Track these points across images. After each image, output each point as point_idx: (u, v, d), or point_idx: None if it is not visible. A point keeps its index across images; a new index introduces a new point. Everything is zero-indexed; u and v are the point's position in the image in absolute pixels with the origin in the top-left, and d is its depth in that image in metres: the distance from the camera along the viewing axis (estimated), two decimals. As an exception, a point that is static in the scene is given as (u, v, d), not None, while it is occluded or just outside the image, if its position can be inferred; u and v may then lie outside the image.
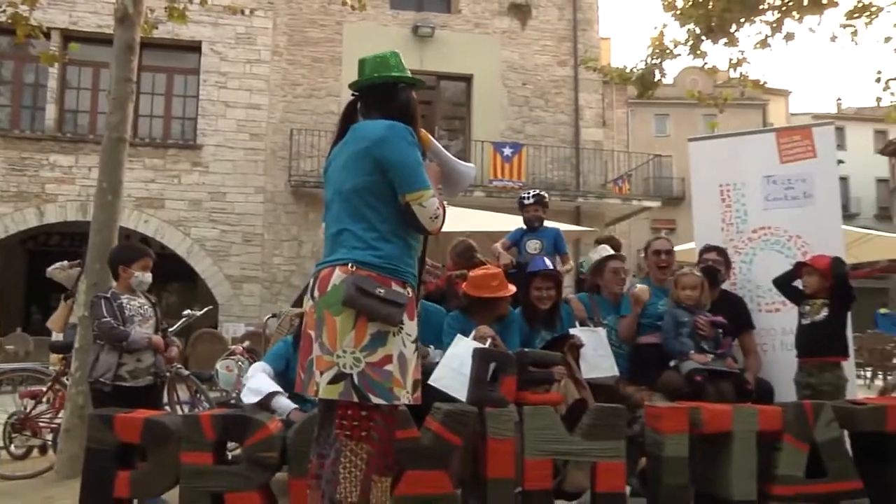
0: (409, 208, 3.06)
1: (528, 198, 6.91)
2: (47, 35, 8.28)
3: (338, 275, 3.02)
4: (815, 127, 6.49)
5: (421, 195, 3.04)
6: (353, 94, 3.38)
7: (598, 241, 7.09)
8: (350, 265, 3.03)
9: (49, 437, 6.62)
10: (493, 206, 15.21)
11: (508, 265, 6.35)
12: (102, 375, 5.09)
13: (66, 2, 17.11)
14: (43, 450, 6.73)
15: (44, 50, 8.36)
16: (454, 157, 3.45)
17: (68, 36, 16.45)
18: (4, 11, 7.53)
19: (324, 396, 2.99)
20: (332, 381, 2.94)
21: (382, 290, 2.96)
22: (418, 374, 3.14)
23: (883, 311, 24.77)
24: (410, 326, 3.09)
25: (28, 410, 6.67)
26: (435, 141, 3.36)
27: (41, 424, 6.67)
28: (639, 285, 5.83)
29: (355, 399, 2.92)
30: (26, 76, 18.15)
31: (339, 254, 3.09)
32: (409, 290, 3.11)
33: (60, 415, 6.41)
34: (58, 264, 7.71)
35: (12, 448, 6.65)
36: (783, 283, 5.61)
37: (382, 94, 3.27)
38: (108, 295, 5.29)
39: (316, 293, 3.08)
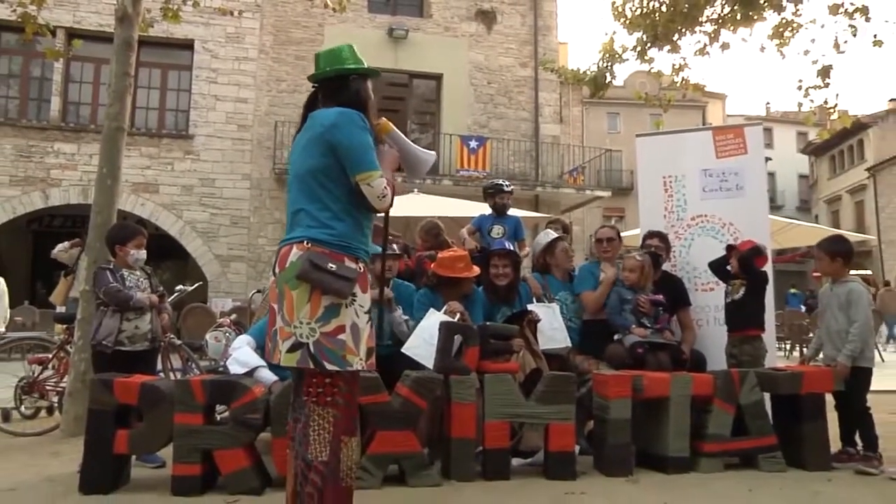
0: (358, 188, 3.04)
1: (506, 187, 6.94)
2: (53, 33, 8.19)
3: (295, 252, 2.99)
4: (746, 127, 6.58)
5: (369, 175, 3.01)
6: (313, 87, 3.34)
7: (549, 224, 7.13)
8: (306, 242, 3.00)
9: (55, 399, 6.60)
10: (460, 193, 15.24)
11: (474, 250, 6.37)
12: (105, 339, 5.04)
13: (71, 2, 16.86)
14: (50, 410, 6.71)
15: (49, 46, 8.26)
16: (414, 144, 3.39)
17: (72, 34, 16.06)
18: (15, 11, 7.45)
19: (284, 364, 2.99)
20: (290, 350, 2.95)
21: (334, 266, 2.94)
22: (372, 342, 3.11)
23: (792, 290, 25.56)
24: (363, 298, 3.06)
25: (36, 375, 6.64)
26: (395, 128, 3.31)
27: (48, 388, 6.64)
28: (610, 269, 5.84)
29: (311, 365, 2.91)
30: (33, 70, 17.88)
31: (297, 232, 3.07)
32: (361, 265, 3.07)
33: (65, 379, 6.39)
34: (60, 245, 7.66)
35: (22, 408, 6.63)
36: (717, 267, 5.70)
37: (336, 84, 3.21)
38: (111, 266, 5.26)
39: (277, 269, 3.06)
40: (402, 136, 3.31)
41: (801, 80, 8.26)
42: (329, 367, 2.93)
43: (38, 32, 7.62)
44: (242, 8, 16.83)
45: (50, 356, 6.74)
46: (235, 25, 17.80)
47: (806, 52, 8.24)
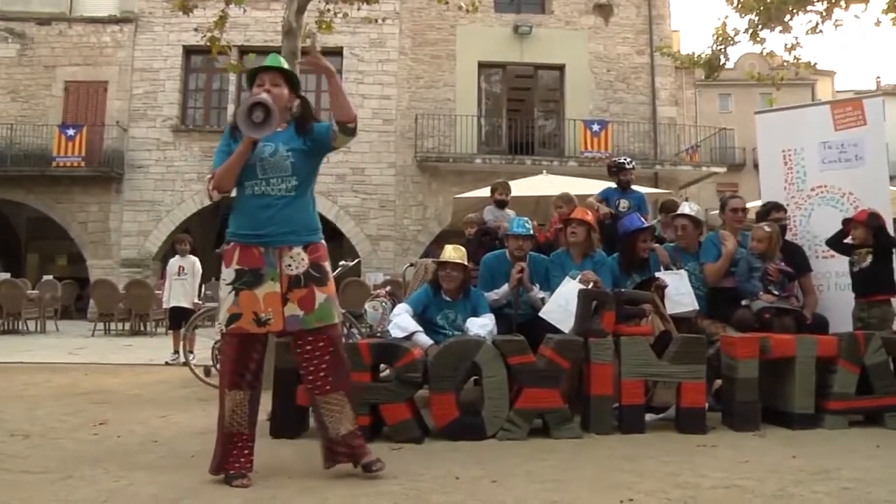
0: None
1: (628, 163, 6.81)
2: (230, 51, 8.62)
3: None
4: (866, 99, 6.21)
5: None
6: None
7: (662, 205, 6.88)
8: None
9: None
10: (585, 173, 14.93)
11: (607, 215, 6.30)
12: None
13: (241, 24, 17.55)
14: (239, 369, 7.05)
15: (228, 62, 8.69)
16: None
17: (243, 50, 17.00)
18: (204, 37, 7.94)
19: None
20: None
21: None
22: (235, 309, 3.21)
23: None
24: (225, 273, 3.25)
25: (227, 339, 7.00)
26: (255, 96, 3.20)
27: (237, 349, 6.99)
28: (730, 240, 5.57)
29: None
30: (213, 84, 18.99)
31: None
32: (229, 244, 3.27)
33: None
34: None
35: (218, 366, 6.98)
36: (834, 242, 5.45)
37: None
38: None
39: None
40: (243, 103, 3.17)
41: (918, 51, 7.68)
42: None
43: (221, 52, 8.02)
44: (384, 16, 17.11)
45: (237, 324, 7.09)
46: (378, 32, 18.15)
47: (924, 24, 7.67)
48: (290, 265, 3.24)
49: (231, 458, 3.23)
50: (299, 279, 3.25)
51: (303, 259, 3.26)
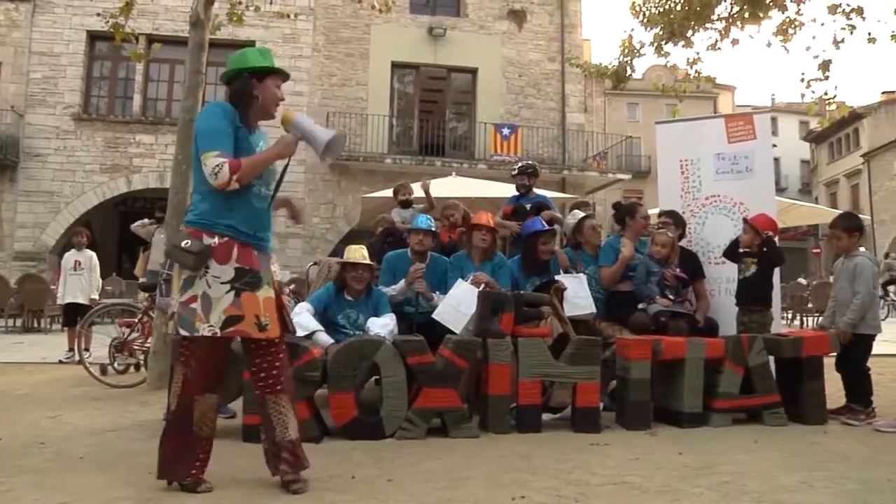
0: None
1: (513, 172, 6.90)
2: (137, 39, 8.30)
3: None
4: (756, 114, 6.48)
5: (205, 155, 2.94)
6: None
7: (573, 206, 7.05)
8: (182, 226, 3.10)
9: (141, 357, 6.74)
10: (494, 176, 15.08)
11: (516, 231, 6.37)
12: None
13: (151, 12, 17.08)
14: (137, 367, 6.84)
15: (133, 50, 8.37)
16: (317, 126, 3.13)
17: (151, 39, 16.37)
18: (108, 22, 7.61)
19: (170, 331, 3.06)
20: (171, 319, 3.08)
21: (188, 242, 2.93)
22: (235, 311, 2.98)
23: None
24: (218, 269, 2.97)
25: (125, 336, 6.79)
26: (297, 116, 3.11)
27: (135, 347, 6.79)
28: (628, 247, 5.69)
29: (178, 332, 3.00)
30: (119, 72, 18.29)
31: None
32: (219, 239, 3.00)
33: (149, 340, 6.52)
34: (139, 222, 7.75)
35: (115, 364, 6.77)
36: (728, 253, 5.64)
37: (228, 83, 3.21)
38: None
39: None
40: (305, 121, 3.12)
41: (803, 74, 8.18)
42: (182, 331, 2.98)
43: (125, 39, 7.74)
44: (297, 11, 16.96)
45: (136, 320, 6.88)
46: (291, 27, 17.91)
47: (808, 48, 8.14)
48: (275, 272, 3.19)
49: (198, 464, 3.08)
50: (280, 286, 3.23)
51: (276, 267, 3.25)
